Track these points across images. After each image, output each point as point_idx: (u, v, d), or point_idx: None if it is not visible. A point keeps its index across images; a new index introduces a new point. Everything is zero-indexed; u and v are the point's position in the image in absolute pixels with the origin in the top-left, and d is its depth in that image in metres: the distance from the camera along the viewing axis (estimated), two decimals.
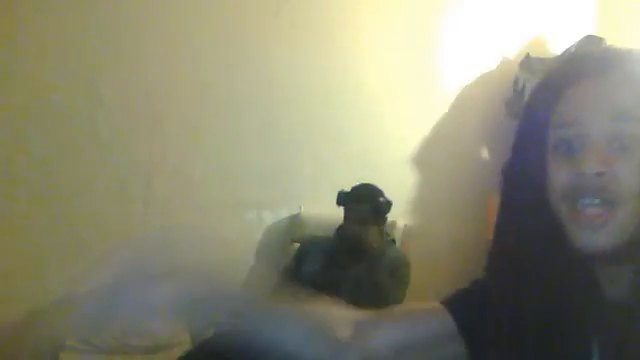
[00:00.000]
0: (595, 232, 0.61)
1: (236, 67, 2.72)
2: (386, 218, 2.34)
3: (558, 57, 3.05)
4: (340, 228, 2.36)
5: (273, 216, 2.80)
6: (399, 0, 3.05)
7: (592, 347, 0.62)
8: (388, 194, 2.33)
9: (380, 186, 2.35)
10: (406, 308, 0.78)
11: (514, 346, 0.66)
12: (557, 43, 3.19)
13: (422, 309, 0.77)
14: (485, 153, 3.24)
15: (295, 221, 2.77)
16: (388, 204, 2.30)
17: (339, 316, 0.73)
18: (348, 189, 2.33)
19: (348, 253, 2.29)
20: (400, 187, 2.87)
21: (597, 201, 0.61)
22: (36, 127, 2.43)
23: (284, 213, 2.81)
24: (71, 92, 2.48)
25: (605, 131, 0.61)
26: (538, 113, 0.67)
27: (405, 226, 2.61)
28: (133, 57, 2.56)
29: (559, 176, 0.64)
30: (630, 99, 0.62)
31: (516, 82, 3.08)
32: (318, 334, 0.70)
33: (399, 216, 2.59)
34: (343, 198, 2.32)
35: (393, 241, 2.44)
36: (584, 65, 0.66)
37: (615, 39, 2.88)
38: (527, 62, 3.07)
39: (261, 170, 2.77)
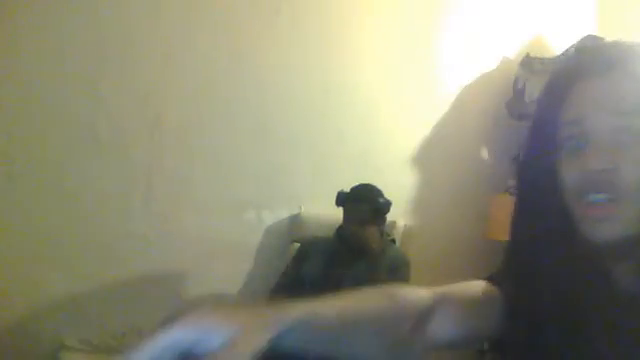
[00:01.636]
0: (602, 224, 0.62)
1: (236, 67, 2.72)
2: (386, 218, 2.34)
3: (561, 55, 3.05)
4: (340, 228, 2.36)
5: (273, 216, 2.80)
6: (399, 0, 3.05)
7: (606, 338, 0.63)
8: (388, 194, 2.33)
9: (380, 186, 2.35)
10: (459, 289, 0.75)
11: (530, 339, 0.67)
12: (557, 43, 3.19)
13: (477, 291, 0.75)
14: (485, 153, 3.24)
15: (295, 221, 2.77)
16: (388, 204, 2.30)
17: (397, 306, 0.70)
18: (348, 189, 2.33)
19: (348, 253, 2.29)
20: (400, 187, 2.87)
21: (603, 197, 0.62)
22: (36, 127, 2.43)
23: (284, 213, 2.81)
24: (71, 92, 2.48)
25: (609, 127, 0.62)
26: (547, 111, 0.69)
27: (405, 226, 2.61)
28: (132, 57, 2.56)
29: (568, 173, 0.65)
30: (633, 95, 0.62)
31: (516, 82, 3.08)
32: (382, 335, 0.67)
33: (399, 216, 2.59)
34: (343, 198, 2.32)
35: (393, 241, 2.44)
36: (589, 62, 0.67)
37: (615, 39, 2.87)
38: (527, 62, 3.07)
39: (261, 170, 2.76)
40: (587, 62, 0.67)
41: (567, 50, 3.05)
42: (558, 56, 3.08)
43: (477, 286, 0.75)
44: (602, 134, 0.62)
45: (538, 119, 0.71)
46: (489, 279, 0.76)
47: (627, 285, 0.64)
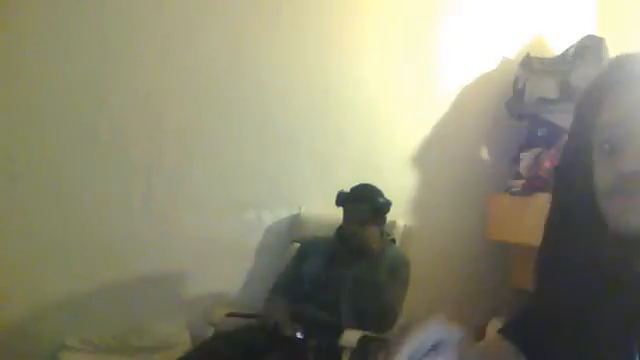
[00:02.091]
0: (632, 214, 0.64)
1: (236, 67, 2.72)
2: (386, 218, 2.34)
3: (562, 55, 3.04)
4: (340, 228, 2.36)
5: (273, 216, 2.80)
6: (399, 0, 3.05)
7: (632, 331, 0.65)
8: (388, 194, 2.34)
9: (380, 186, 2.35)
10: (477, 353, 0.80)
11: (551, 337, 0.71)
12: (557, 43, 3.20)
13: (494, 353, 0.79)
14: (485, 153, 3.24)
15: (295, 221, 2.77)
16: (387, 204, 2.30)
17: None
18: (348, 189, 2.33)
19: (348, 253, 2.30)
20: (400, 187, 2.87)
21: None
22: (36, 127, 2.43)
23: (284, 213, 2.81)
24: (71, 92, 2.48)
25: None
26: (584, 116, 0.72)
27: (405, 226, 2.60)
28: (133, 57, 2.56)
29: (602, 175, 0.68)
30: None
31: (516, 82, 3.08)
32: None
33: (399, 216, 2.59)
34: (343, 198, 2.32)
35: (393, 241, 2.44)
36: (625, 71, 0.70)
37: (615, 39, 2.88)
38: (527, 62, 3.07)
39: (261, 170, 2.76)
40: (624, 71, 0.70)
41: (567, 50, 3.05)
42: (558, 56, 3.08)
43: (496, 349, 0.79)
44: (637, 138, 0.65)
45: (576, 123, 0.75)
46: (502, 331, 0.80)
47: None
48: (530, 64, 3.06)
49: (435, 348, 0.62)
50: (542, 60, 3.06)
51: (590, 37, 3.00)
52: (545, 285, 0.77)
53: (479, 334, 2.60)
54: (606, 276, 0.68)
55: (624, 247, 0.66)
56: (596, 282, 0.68)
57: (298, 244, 2.54)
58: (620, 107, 0.68)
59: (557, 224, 0.76)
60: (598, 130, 0.69)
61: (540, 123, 2.95)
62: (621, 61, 0.73)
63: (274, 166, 2.78)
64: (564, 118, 2.44)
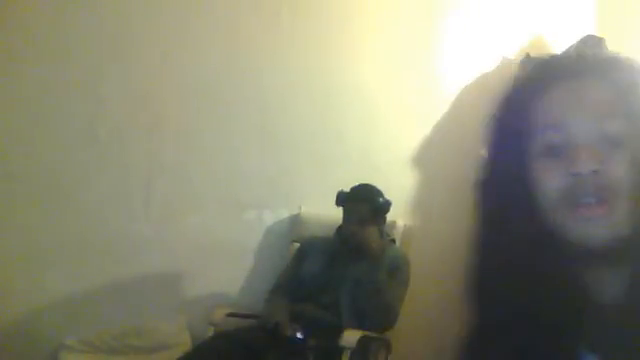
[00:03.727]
0: (594, 226, 0.61)
1: (236, 68, 2.72)
2: (385, 218, 2.34)
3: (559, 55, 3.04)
4: (340, 228, 2.36)
5: (273, 216, 2.80)
6: (399, 1, 3.05)
7: (581, 353, 0.62)
8: (388, 194, 2.33)
9: (380, 186, 2.35)
10: None
11: (501, 348, 0.66)
12: (557, 43, 3.19)
13: None
14: (485, 153, 3.23)
15: (295, 221, 2.77)
16: (387, 204, 2.30)
17: None
18: (348, 189, 2.33)
19: (348, 253, 2.30)
20: (400, 187, 2.86)
21: (594, 200, 0.61)
22: (36, 127, 2.43)
23: (284, 213, 2.81)
24: (71, 92, 2.48)
25: (592, 131, 0.62)
26: (515, 119, 0.67)
27: (405, 226, 2.61)
28: (132, 57, 2.56)
29: (552, 180, 0.63)
30: (612, 98, 0.63)
31: None
32: None
33: (399, 216, 2.59)
34: (342, 198, 2.32)
35: (393, 241, 2.44)
36: (558, 68, 0.67)
37: (615, 39, 2.88)
38: (527, 62, 3.07)
39: (261, 170, 2.76)
40: (557, 68, 0.67)
41: (567, 50, 3.05)
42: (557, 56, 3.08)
43: None
44: (587, 137, 0.62)
45: (504, 127, 0.70)
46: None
47: (606, 297, 0.63)
48: (530, 64, 3.05)
49: None
50: None
51: (590, 37, 2.99)
52: (484, 312, 0.71)
53: None
54: (561, 304, 0.63)
55: (580, 260, 0.63)
56: (546, 303, 0.63)
57: (298, 244, 2.54)
58: (560, 107, 0.64)
59: (492, 241, 0.71)
60: (535, 133, 0.64)
61: None
62: (551, 59, 0.69)
63: (274, 166, 2.78)
64: None
